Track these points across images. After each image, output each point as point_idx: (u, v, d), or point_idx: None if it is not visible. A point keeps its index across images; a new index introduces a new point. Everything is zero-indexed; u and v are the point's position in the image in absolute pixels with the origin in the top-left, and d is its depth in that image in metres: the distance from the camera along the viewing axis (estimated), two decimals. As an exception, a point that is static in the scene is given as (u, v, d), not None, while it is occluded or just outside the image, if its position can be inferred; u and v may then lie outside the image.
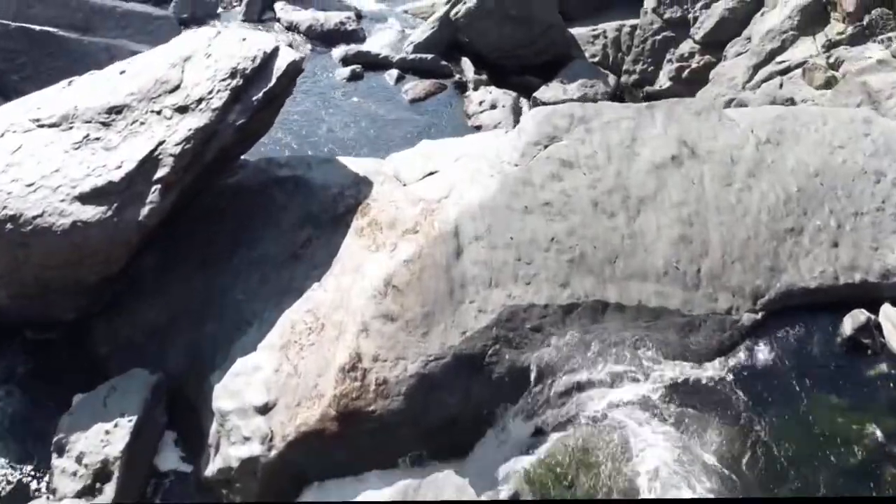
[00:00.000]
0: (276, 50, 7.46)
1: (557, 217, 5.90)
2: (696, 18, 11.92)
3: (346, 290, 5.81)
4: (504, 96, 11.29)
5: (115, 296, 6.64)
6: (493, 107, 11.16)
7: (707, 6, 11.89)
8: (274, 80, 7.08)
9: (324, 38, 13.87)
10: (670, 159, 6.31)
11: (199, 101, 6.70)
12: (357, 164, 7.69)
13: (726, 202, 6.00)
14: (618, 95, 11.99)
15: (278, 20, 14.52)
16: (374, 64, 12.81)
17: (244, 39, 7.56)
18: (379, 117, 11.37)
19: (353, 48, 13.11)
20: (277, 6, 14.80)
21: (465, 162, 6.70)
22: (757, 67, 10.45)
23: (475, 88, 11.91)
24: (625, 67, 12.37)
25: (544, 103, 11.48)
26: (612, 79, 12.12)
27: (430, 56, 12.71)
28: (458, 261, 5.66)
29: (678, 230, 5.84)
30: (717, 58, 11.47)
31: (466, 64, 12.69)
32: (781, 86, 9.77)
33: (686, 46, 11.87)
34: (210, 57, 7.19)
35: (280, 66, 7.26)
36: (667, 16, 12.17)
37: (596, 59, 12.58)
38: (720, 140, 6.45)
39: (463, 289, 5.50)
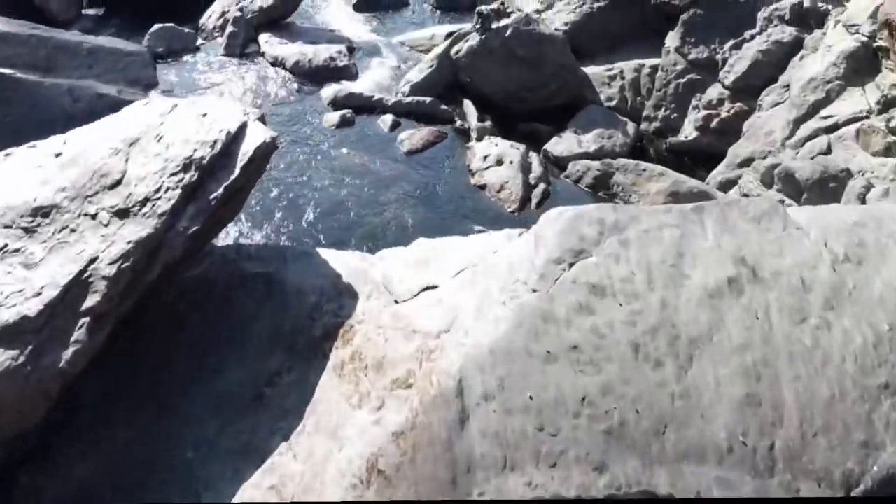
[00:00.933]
0: (242, 127, 6.23)
1: (589, 367, 4.65)
2: (724, 60, 10.69)
3: (320, 463, 4.57)
4: (511, 150, 10.05)
5: (43, 440, 5.41)
6: (500, 162, 9.92)
7: (737, 47, 10.66)
8: (238, 171, 5.83)
9: (312, 76, 12.64)
10: (727, 284, 5.06)
11: (144, 202, 5.46)
12: (340, 261, 6.46)
13: (800, 345, 4.75)
14: (638, 146, 10.76)
15: (262, 55, 13.28)
16: (367, 107, 11.57)
17: (204, 115, 6.31)
18: (371, 173, 10.13)
19: (344, 89, 11.87)
20: (262, 38, 13.57)
21: (470, 277, 5.46)
22: (798, 122, 9.22)
23: (479, 138, 10.67)
24: (645, 113, 11.13)
25: (556, 158, 10.27)
26: (631, 127, 10.88)
27: (428, 99, 11.48)
28: (463, 432, 4.42)
29: (742, 386, 4.59)
30: (749, 106, 10.24)
31: (469, 108, 11.46)
32: (830, 148, 8.55)
33: (714, 92, 10.63)
34: (161, 141, 5.95)
35: (247, 149, 6.01)
36: (692, 56, 10.94)
37: (612, 104, 11.34)
38: (787, 257, 5.20)
39: (469, 475, 4.26)
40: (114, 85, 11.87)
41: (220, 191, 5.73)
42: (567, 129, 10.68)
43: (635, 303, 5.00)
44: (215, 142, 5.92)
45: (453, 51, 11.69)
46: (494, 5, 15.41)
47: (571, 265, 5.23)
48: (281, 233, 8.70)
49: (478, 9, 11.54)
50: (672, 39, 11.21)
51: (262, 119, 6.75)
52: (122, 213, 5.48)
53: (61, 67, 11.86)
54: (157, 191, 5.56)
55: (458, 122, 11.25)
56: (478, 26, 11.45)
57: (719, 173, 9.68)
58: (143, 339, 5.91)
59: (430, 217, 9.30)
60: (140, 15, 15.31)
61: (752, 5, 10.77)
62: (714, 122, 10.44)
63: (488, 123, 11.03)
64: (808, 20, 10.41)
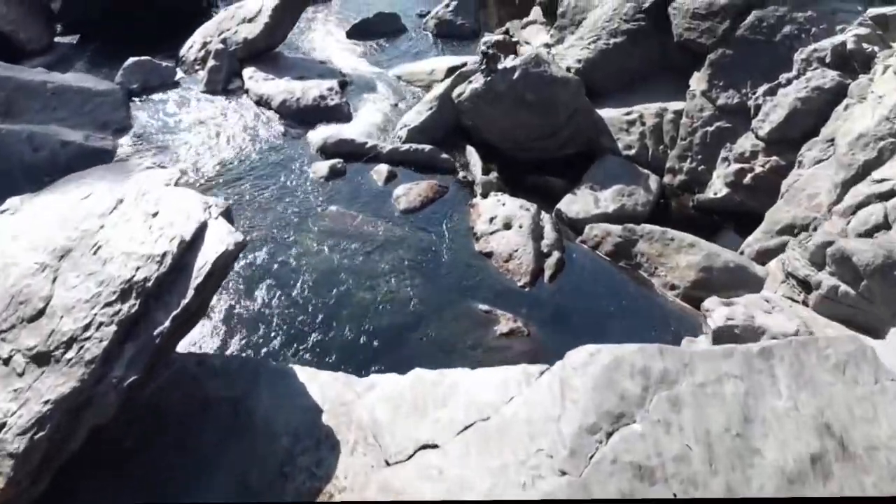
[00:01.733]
0: (202, 229, 5.14)
1: None
2: (757, 107, 9.58)
3: None
4: (521, 211, 8.94)
5: None
6: (507, 226, 8.82)
7: (772, 92, 9.55)
8: (191, 294, 4.74)
9: (300, 117, 11.53)
10: (810, 464, 3.95)
11: (69, 343, 4.36)
12: (321, 387, 5.39)
13: (913, 558, 3.64)
14: (662, 204, 9.65)
15: (246, 91, 12.16)
16: (360, 154, 10.46)
17: (154, 215, 5.22)
18: (363, 236, 9.02)
19: (334, 135, 10.75)
20: (246, 73, 12.46)
21: (478, 439, 4.36)
22: (846, 185, 8.10)
23: (484, 195, 9.56)
24: (669, 165, 10.02)
25: (571, 219, 9.16)
26: (653, 180, 9.77)
27: (427, 147, 10.36)
28: None
29: None
30: (787, 160, 9.13)
31: (472, 156, 10.35)
32: (888, 221, 7.44)
33: (747, 143, 9.52)
34: (99, 252, 4.85)
35: (205, 261, 4.91)
36: (720, 101, 9.84)
37: (632, 152, 10.23)
38: (883, 424, 4.09)
39: None
40: (81, 130, 10.76)
41: (168, 324, 4.62)
42: (582, 185, 9.57)
43: (693, 491, 3.89)
44: (164, 255, 4.80)
45: (455, 93, 10.58)
46: (498, 34, 14.34)
47: (609, 435, 4.12)
48: (256, 324, 7.56)
49: (482, 48, 10.43)
50: (698, 81, 10.10)
51: (227, 212, 5.65)
52: (42, 359, 4.38)
53: (21, 111, 10.74)
54: (87, 327, 4.45)
55: (461, 174, 10.15)
56: (482, 67, 10.35)
57: (756, 241, 8.57)
58: (78, 484, 4.82)
59: (430, 292, 8.19)
60: (117, 42, 14.20)
61: (788, 45, 9.66)
62: (747, 178, 9.32)
63: (494, 176, 9.92)
64: (852, 63, 9.29)
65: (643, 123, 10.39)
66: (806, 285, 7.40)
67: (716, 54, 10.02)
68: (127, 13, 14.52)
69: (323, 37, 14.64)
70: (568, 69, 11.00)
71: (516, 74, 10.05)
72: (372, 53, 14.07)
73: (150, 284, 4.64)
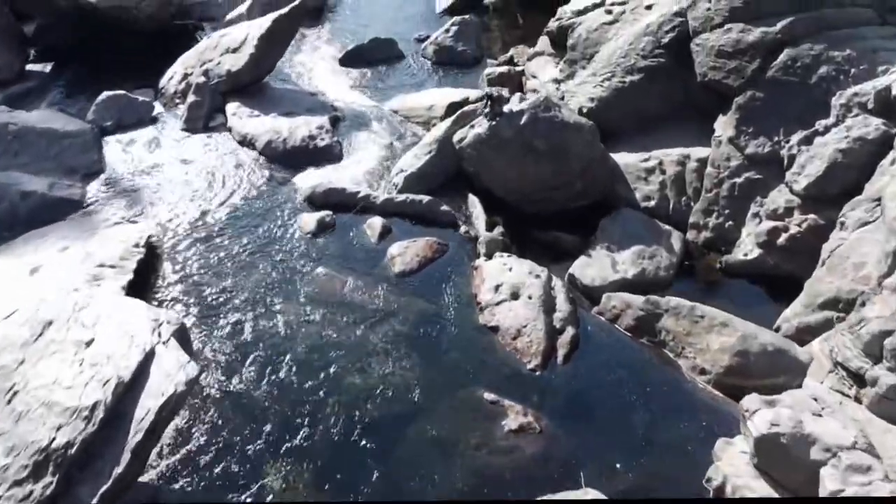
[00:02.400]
0: (147, 360, 4.21)
1: None
2: (792, 157, 8.63)
3: None
4: (530, 278, 7.99)
5: None
6: (515, 295, 7.87)
7: (807, 141, 8.60)
8: (126, 460, 3.81)
9: (287, 159, 10.58)
10: None
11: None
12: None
13: None
14: (686, 266, 8.69)
15: (229, 130, 11.21)
16: (351, 205, 9.51)
17: (88, 344, 4.30)
18: (353, 307, 8.06)
19: (323, 183, 9.79)
20: (230, 108, 11.51)
21: None
22: (900, 255, 7.15)
23: (488, 255, 8.61)
24: (693, 220, 9.06)
25: (585, 287, 8.21)
26: (676, 238, 8.82)
27: (425, 198, 9.41)
28: None
29: None
30: (826, 219, 8.17)
31: (475, 208, 9.40)
32: (956, 306, 6.48)
33: (780, 198, 8.56)
34: (12, 401, 3.90)
35: (145, 412, 3.99)
36: (750, 150, 8.89)
37: (651, 204, 9.28)
38: None
39: None
40: (45, 177, 9.81)
41: (95, 501, 3.67)
42: (597, 245, 8.61)
43: None
44: (94, 407, 3.90)
45: (456, 137, 9.64)
46: (502, 61, 13.40)
47: None
48: (224, 428, 6.56)
49: (485, 90, 9.48)
50: (724, 126, 9.15)
51: (181, 330, 4.70)
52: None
53: (-22, 157, 9.81)
54: (-14, 519, 3.46)
55: (463, 228, 9.19)
56: (485, 110, 9.40)
57: (795, 315, 7.61)
58: None
59: (428, 376, 7.23)
60: (93, 70, 13.30)
61: (825, 88, 8.70)
62: (781, 239, 8.36)
63: (499, 232, 8.97)
64: (899, 110, 8.37)
65: (663, 172, 9.43)
66: (859, 379, 6.44)
67: (744, 97, 9.07)
68: (106, 38, 13.57)
69: (314, 64, 13.68)
70: (580, 110, 10.05)
71: (524, 119, 9.10)
72: (366, 83, 13.11)
73: (73, 451, 3.69)
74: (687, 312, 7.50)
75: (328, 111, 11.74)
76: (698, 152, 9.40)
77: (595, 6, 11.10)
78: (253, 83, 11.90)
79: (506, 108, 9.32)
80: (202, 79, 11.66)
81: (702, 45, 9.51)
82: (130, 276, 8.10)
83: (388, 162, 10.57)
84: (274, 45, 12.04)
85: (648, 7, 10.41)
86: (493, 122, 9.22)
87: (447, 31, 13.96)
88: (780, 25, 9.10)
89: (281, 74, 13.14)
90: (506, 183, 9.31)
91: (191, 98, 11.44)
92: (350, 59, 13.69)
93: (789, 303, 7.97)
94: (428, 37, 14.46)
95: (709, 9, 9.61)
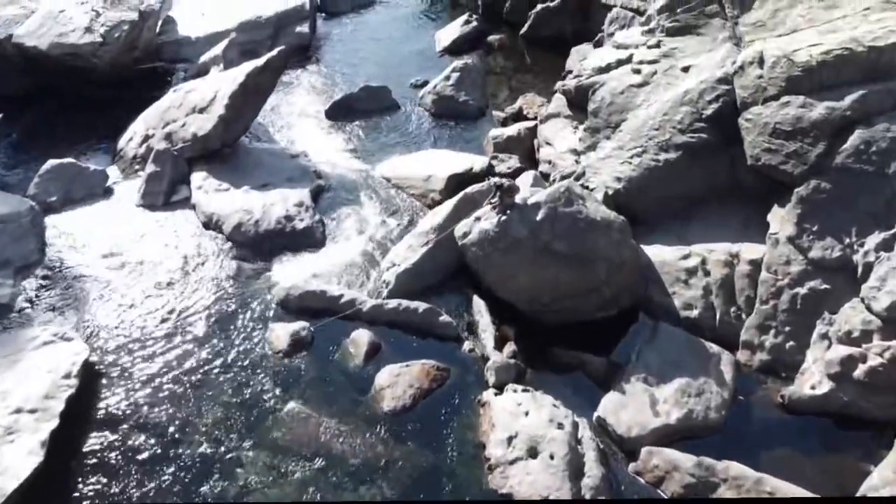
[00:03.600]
0: None
1: None
2: (868, 266, 7.08)
3: None
4: (552, 429, 6.44)
5: None
6: (533, 453, 6.31)
7: (887, 246, 7.06)
8: None
9: (260, 245, 9.02)
10: None
11: None
12: None
13: None
14: (740, 401, 7.08)
15: (194, 207, 9.62)
16: (333, 311, 7.94)
17: None
18: (331, 459, 6.52)
19: (300, 285, 8.19)
20: (195, 179, 9.92)
21: None
22: None
23: (498, 387, 7.04)
24: (745, 337, 7.48)
25: (621, 438, 6.62)
26: (726, 364, 7.23)
27: (421, 307, 7.84)
28: None
29: None
30: (917, 349, 6.60)
31: (482, 316, 7.82)
32: None
33: (855, 317, 7.01)
34: None
35: None
36: (814, 253, 7.34)
37: (693, 314, 7.70)
38: None
39: None
40: (-33, 274, 8.22)
41: None
42: (633, 376, 7.01)
43: None
44: None
45: (458, 231, 8.06)
46: (509, 113, 11.83)
47: None
48: None
49: (493, 180, 7.88)
50: (782, 222, 7.59)
51: None
52: None
53: None
54: None
55: (467, 344, 7.63)
56: (493, 200, 7.83)
57: (885, 483, 6.03)
58: None
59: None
60: (47, 123, 11.71)
61: (907, 180, 7.17)
62: (859, 370, 6.78)
63: (510, 352, 7.40)
64: None
65: (707, 273, 7.85)
66: None
67: (807, 188, 7.51)
68: (60, 89, 12.00)
69: (297, 116, 12.07)
70: (606, 194, 8.47)
71: (540, 215, 7.53)
72: (355, 141, 11.49)
73: None
74: (751, 486, 5.93)
75: (310, 180, 10.16)
76: (750, 250, 7.82)
77: (620, 63, 9.53)
78: (224, 147, 10.30)
79: (518, 198, 7.75)
80: (164, 144, 10.09)
81: (753, 122, 7.93)
82: (55, 422, 6.53)
83: (377, 249, 8.98)
84: (248, 102, 10.45)
85: (685, 69, 8.84)
86: (503, 218, 7.64)
87: (447, 78, 12.35)
88: (849, 100, 7.54)
89: (259, 129, 11.54)
90: (518, 289, 7.73)
91: (150, 168, 9.86)
92: (338, 111, 12.08)
93: (874, 454, 6.43)
94: (426, 82, 12.85)
95: (760, 76, 8.04)
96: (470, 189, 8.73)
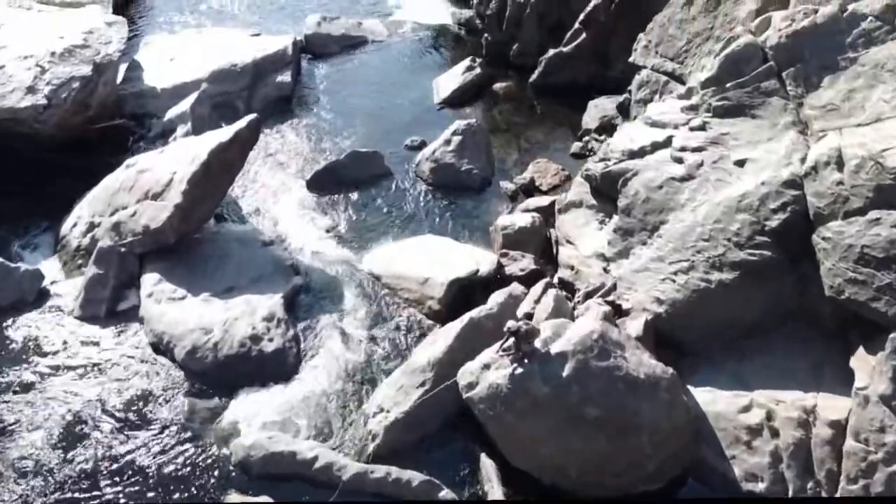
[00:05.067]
0: None
1: None
2: None
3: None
4: None
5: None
6: None
7: None
8: None
9: (219, 376, 7.40)
10: None
11: None
12: None
13: None
14: None
15: (142, 320, 7.99)
16: (304, 478, 6.33)
17: None
18: None
19: (263, 444, 6.53)
20: (146, 283, 8.30)
21: None
22: None
23: None
24: (833, 528, 5.89)
25: None
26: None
27: (415, 479, 6.20)
28: None
29: None
30: None
31: (492, 487, 6.20)
32: None
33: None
34: None
35: None
36: (921, 420, 5.71)
37: (759, 488, 6.10)
38: None
39: None
40: None
41: None
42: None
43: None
44: None
45: (463, 380, 6.43)
46: (519, 182, 10.24)
47: None
48: None
49: (508, 325, 6.22)
50: (872, 374, 5.96)
51: None
52: None
53: None
54: None
55: (473, 530, 6.02)
56: (505, 346, 6.21)
57: None
58: None
59: None
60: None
61: None
62: None
63: (530, 547, 5.80)
64: None
65: (774, 433, 6.23)
66: None
67: (906, 333, 5.89)
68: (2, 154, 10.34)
69: (274, 189, 10.41)
70: (645, 321, 6.86)
71: (567, 369, 5.93)
72: (341, 220, 9.83)
73: None
74: None
75: (286, 278, 8.55)
76: (829, 406, 6.21)
77: (656, 147, 7.89)
78: (181, 240, 8.67)
79: (538, 343, 6.13)
80: (110, 238, 8.47)
81: (832, 242, 6.32)
82: None
83: (364, 382, 7.37)
84: (212, 184, 8.82)
85: (739, 163, 7.21)
86: (520, 370, 6.02)
87: (447, 142, 10.70)
88: (958, 219, 5.94)
89: (228, 204, 9.91)
90: (539, 460, 6.11)
91: (91, 270, 8.23)
92: (321, 181, 10.42)
93: None
94: (423, 143, 11.22)
95: (840, 183, 6.43)
96: (476, 313, 7.11)
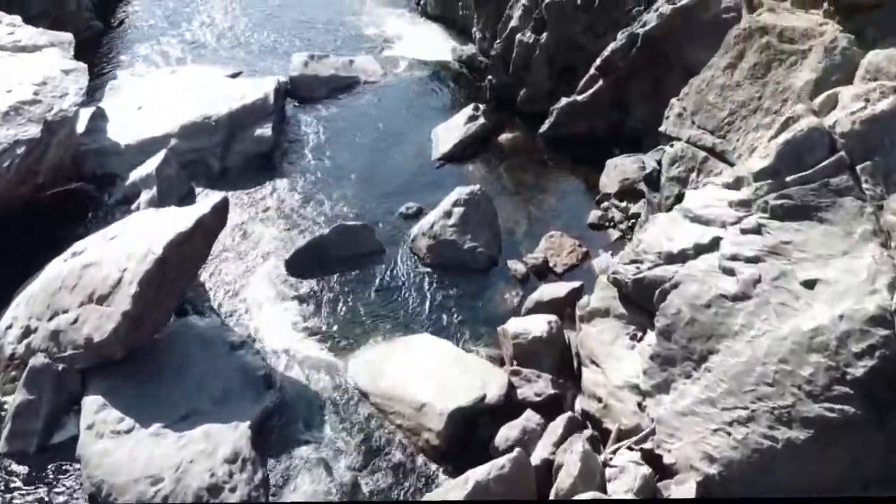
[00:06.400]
0: None
1: None
2: None
3: None
4: None
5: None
6: None
7: None
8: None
9: (168, 540, 6.04)
10: None
11: None
12: None
13: None
14: None
15: (79, 459, 6.62)
16: None
17: None
18: None
19: None
20: (87, 409, 6.98)
21: None
22: None
23: None
24: None
25: None
26: None
27: None
28: None
29: None
30: None
31: None
32: None
33: None
34: None
35: None
36: None
37: None
38: None
39: None
40: None
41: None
42: None
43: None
44: None
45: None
46: (531, 262, 8.89)
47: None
48: None
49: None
50: None
51: None
52: None
53: None
54: None
55: None
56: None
57: None
58: None
59: None
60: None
61: None
62: None
63: None
64: None
65: None
66: None
67: None
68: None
69: (248, 269, 9.08)
70: (696, 484, 5.50)
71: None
72: (324, 313, 8.47)
73: None
74: None
75: (256, 395, 7.22)
76: None
77: (699, 250, 6.52)
78: (133, 349, 7.31)
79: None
80: (46, 350, 7.12)
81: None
82: None
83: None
84: (170, 281, 7.45)
85: (808, 285, 5.83)
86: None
87: (447, 214, 9.34)
88: None
89: (192, 292, 8.56)
90: None
91: (21, 395, 6.89)
92: (303, 262, 9.06)
93: None
94: (420, 210, 9.87)
95: (946, 323, 5.09)
96: (483, 474, 5.73)
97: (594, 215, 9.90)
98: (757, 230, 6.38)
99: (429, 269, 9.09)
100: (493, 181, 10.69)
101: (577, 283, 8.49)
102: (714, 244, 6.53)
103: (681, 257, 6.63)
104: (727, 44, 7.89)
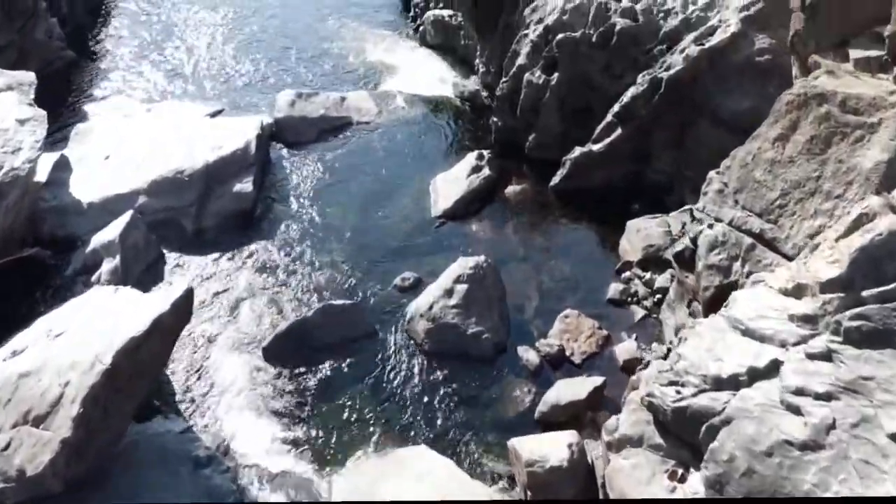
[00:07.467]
0: None
1: None
2: None
3: None
4: None
5: None
6: None
7: None
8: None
9: None
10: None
11: None
12: None
13: None
14: None
15: None
16: None
17: None
18: None
19: None
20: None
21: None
22: None
23: None
24: None
25: None
26: None
27: None
28: None
29: None
30: None
31: None
32: None
33: None
34: None
35: None
36: None
37: None
38: None
39: None
40: None
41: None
42: None
43: None
44: None
45: None
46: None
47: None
48: None
49: None
50: None
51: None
52: None
53: None
54: None
55: None
56: None
57: None
58: None
59: None
60: None
61: None
62: None
63: None
64: None
65: None
66: None
67: None
68: None
69: (219, 360, 7.93)
70: None
71: None
72: (305, 416, 7.33)
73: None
74: None
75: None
76: None
77: (754, 375, 5.31)
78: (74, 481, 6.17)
79: None
80: (-29, 485, 5.97)
81: None
82: None
83: None
84: (121, 395, 6.32)
85: (899, 439, 4.70)
86: None
87: (448, 292, 8.19)
88: None
89: (155, 390, 7.40)
90: None
91: (-64, 544, 5.75)
92: (283, 350, 7.91)
93: None
94: (418, 281, 8.74)
95: None
96: None
97: (614, 289, 8.74)
98: (827, 356, 5.22)
99: (427, 359, 7.94)
100: (499, 245, 9.54)
101: (598, 380, 7.38)
102: (773, 369, 5.36)
103: (732, 383, 5.47)
104: (777, 111, 6.70)
